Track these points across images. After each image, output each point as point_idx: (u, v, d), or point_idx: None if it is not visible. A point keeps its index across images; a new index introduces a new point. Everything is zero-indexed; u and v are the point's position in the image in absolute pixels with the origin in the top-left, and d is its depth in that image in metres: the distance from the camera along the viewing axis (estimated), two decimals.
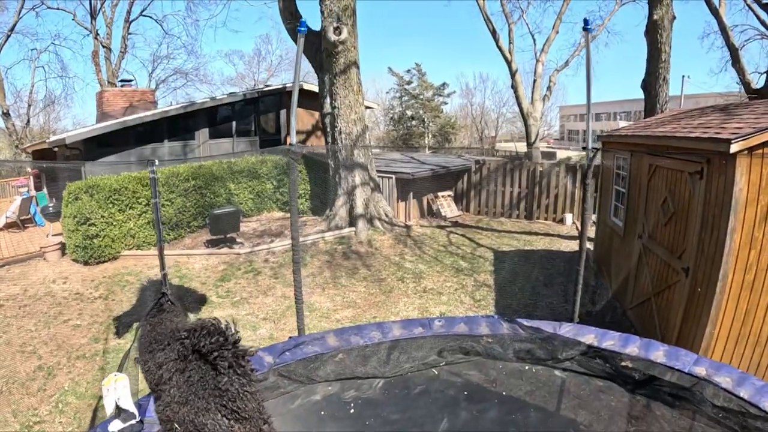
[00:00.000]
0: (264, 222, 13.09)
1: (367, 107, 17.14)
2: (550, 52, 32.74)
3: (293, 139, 3.37)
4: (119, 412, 2.68)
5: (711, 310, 4.53)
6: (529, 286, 8.41)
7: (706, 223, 4.69)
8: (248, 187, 13.57)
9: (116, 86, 24.86)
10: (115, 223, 10.71)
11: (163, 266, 3.32)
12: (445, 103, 38.74)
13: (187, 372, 1.86)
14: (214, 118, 15.85)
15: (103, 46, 29.70)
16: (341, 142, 11.95)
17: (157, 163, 3.21)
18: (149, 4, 31.93)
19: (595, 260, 9.21)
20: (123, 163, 13.02)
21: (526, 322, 3.78)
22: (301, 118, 17.80)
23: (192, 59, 41.23)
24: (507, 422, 2.80)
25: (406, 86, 37.30)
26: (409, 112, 37.44)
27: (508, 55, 22.09)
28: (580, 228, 4.22)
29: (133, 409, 2.69)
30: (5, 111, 28.31)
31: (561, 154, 31.05)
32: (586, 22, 3.69)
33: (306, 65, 13.64)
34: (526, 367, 3.41)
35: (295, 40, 12.98)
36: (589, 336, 3.58)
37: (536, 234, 12.28)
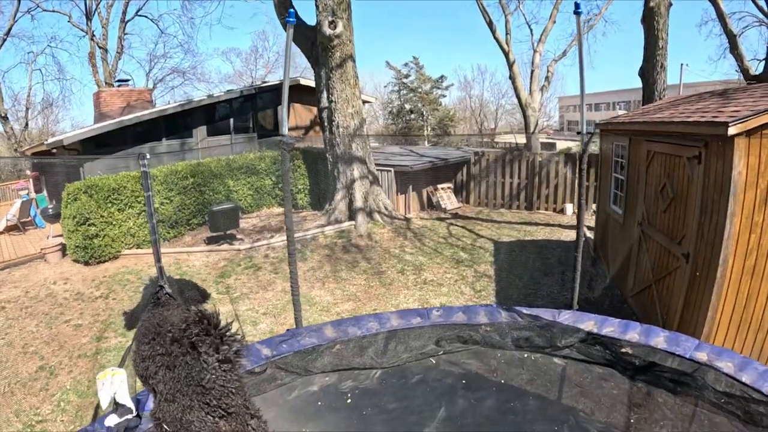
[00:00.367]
0: (264, 218, 13.09)
1: (364, 101, 17.09)
2: (548, 42, 32.56)
3: (285, 130, 3.35)
4: (116, 407, 2.67)
5: (712, 295, 4.51)
6: (530, 275, 8.40)
7: (705, 207, 4.66)
8: (247, 183, 13.56)
9: (113, 87, 24.78)
10: (114, 223, 10.71)
11: (158, 258, 3.31)
12: (444, 96, 38.67)
13: (173, 367, 1.83)
14: (212, 116, 15.82)
15: (100, 47, 29.60)
16: (339, 135, 11.92)
17: (148, 156, 3.19)
18: (145, 4, 31.77)
19: (595, 248, 9.19)
20: (121, 156, 12.98)
21: (524, 310, 3.76)
22: (299, 114, 17.77)
23: (189, 58, 41.23)
24: (506, 410, 2.78)
25: (404, 80, 37.21)
26: (407, 106, 37.35)
27: (505, 46, 21.98)
28: (577, 209, 4.20)
29: (130, 404, 2.68)
30: (3, 115, 28.26)
31: (561, 145, 30.95)
32: (576, 5, 3.65)
33: (303, 61, 13.60)
34: (525, 355, 3.39)
35: (293, 38, 12.91)
36: (589, 323, 3.56)
37: (536, 224, 12.26)
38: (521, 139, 27.61)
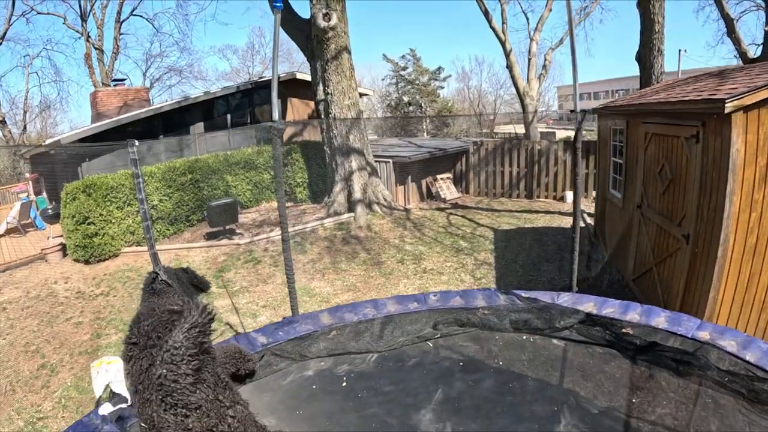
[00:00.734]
0: (263, 212, 13.07)
1: (361, 94, 17.03)
2: (544, 31, 32.49)
3: (276, 115, 3.31)
4: (112, 395, 2.66)
5: (713, 275, 4.46)
6: (530, 262, 8.37)
7: (704, 187, 4.62)
8: (245, 178, 13.53)
9: (110, 87, 24.74)
10: (113, 221, 10.70)
11: (151, 245, 3.28)
12: (442, 87, 38.52)
13: (137, 358, 1.79)
14: (209, 112, 15.78)
15: (96, 48, 29.50)
16: (336, 128, 11.88)
17: (137, 143, 3.17)
18: (139, 4, 31.71)
19: (595, 234, 9.15)
20: (121, 151, 12.94)
21: (523, 294, 3.74)
22: (296, 108, 17.72)
23: (185, 56, 41.05)
24: (504, 391, 2.75)
25: (402, 72, 37.08)
26: (405, 98, 37.22)
27: (501, 35, 21.86)
28: (573, 190, 4.15)
29: (125, 393, 2.67)
30: (1, 119, 28.24)
31: (561, 134, 30.82)
32: None
33: (300, 57, 13.53)
34: (524, 337, 3.37)
35: (286, 29, 12.88)
36: (588, 304, 3.54)
37: (536, 212, 12.22)
38: (520, 129, 27.53)
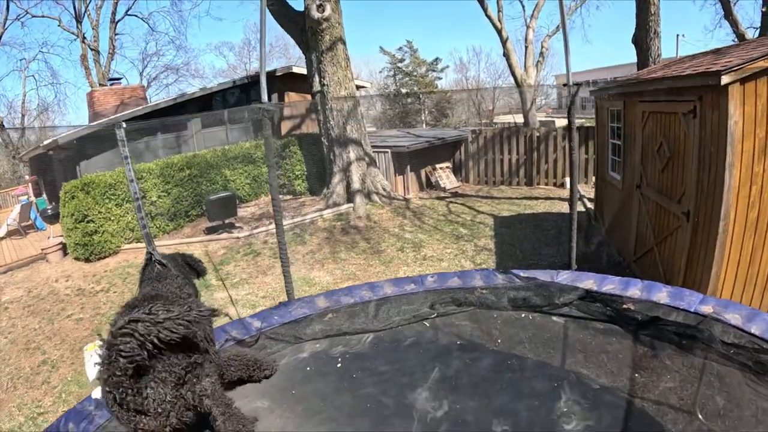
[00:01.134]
0: (262, 206, 13.03)
1: (359, 86, 16.96)
2: (541, 18, 32.29)
3: (264, 97, 3.27)
4: None
5: (715, 252, 4.41)
6: (530, 247, 8.33)
7: (703, 162, 4.56)
8: (244, 172, 13.49)
9: (106, 86, 24.67)
10: (113, 218, 10.69)
11: (144, 225, 3.25)
12: (440, 78, 38.34)
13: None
14: (206, 108, 15.71)
15: (92, 49, 29.40)
16: (333, 118, 11.83)
17: (124, 125, 3.14)
18: (134, 3, 31.53)
19: (596, 218, 9.10)
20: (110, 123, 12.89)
21: (522, 273, 3.69)
22: (294, 102, 17.64)
23: (181, 54, 40.92)
24: (503, 369, 2.71)
25: (399, 64, 36.91)
26: (403, 90, 37.07)
27: (497, 24, 21.70)
28: (570, 163, 4.08)
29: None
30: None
31: (560, 123, 30.67)
32: None
33: (298, 52, 13.42)
34: (522, 315, 3.32)
35: (280, 22, 12.83)
36: (588, 281, 3.50)
37: (537, 198, 12.17)
38: (520, 119, 27.38)
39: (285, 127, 16.80)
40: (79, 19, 29.11)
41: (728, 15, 16.94)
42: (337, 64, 11.70)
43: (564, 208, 10.80)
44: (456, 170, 15.14)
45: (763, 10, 15.19)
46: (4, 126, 28.90)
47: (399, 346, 2.99)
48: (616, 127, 7.44)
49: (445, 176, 14.44)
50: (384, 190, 12.22)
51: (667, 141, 5.36)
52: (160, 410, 1.74)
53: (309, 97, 15.54)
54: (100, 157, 12.74)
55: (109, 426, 2.40)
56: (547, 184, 13.86)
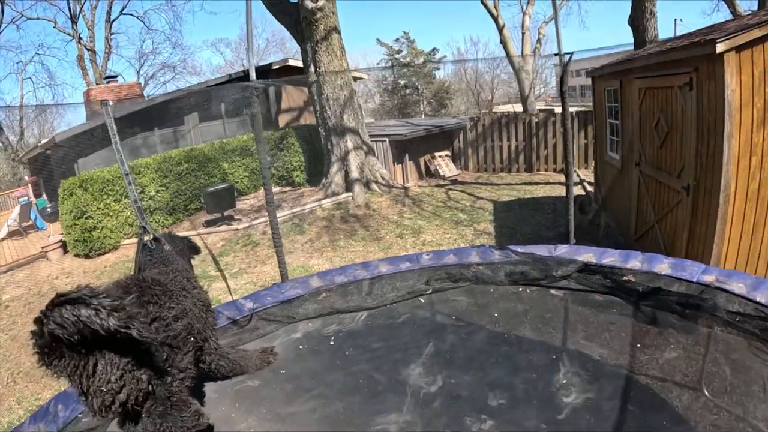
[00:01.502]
0: (261, 198, 12.96)
1: (356, 78, 16.84)
2: (537, 4, 32.00)
3: (252, 75, 3.21)
4: None
5: (716, 225, 4.33)
6: (530, 230, 8.27)
7: (701, 134, 4.49)
8: (242, 165, 13.44)
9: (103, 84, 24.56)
10: (111, 214, 10.67)
11: (135, 200, 3.20)
12: (437, 69, 38.21)
13: None
14: (203, 102, 15.63)
15: (88, 50, 29.28)
16: (329, 108, 11.76)
17: (110, 103, 3.09)
18: (128, 2, 31.34)
19: (597, 200, 9.03)
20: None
21: (519, 248, 3.64)
22: (291, 96, 17.54)
23: (178, 52, 40.71)
24: (499, 342, 2.66)
25: (396, 55, 36.73)
26: (402, 81, 36.92)
27: (493, 11, 21.55)
28: (563, 129, 4.00)
29: None
30: None
31: (560, 111, 30.48)
32: None
33: (294, 46, 13.32)
34: (520, 289, 3.28)
35: (274, 13, 12.74)
36: (587, 255, 3.44)
37: (536, 184, 12.09)
38: (519, 109, 27.24)
39: (283, 120, 16.72)
40: (74, 20, 28.97)
41: None
42: (332, 54, 11.62)
43: (564, 191, 10.71)
44: (455, 158, 15.05)
45: None
46: (2, 129, 28.84)
47: (393, 323, 2.95)
48: (613, 107, 7.37)
49: (444, 164, 14.36)
50: (383, 178, 12.16)
51: (665, 116, 5.29)
52: (104, 389, 1.69)
53: (306, 89, 15.48)
54: (97, 154, 12.70)
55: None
56: (546, 170, 13.76)
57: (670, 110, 5.18)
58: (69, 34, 29.40)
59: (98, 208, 10.49)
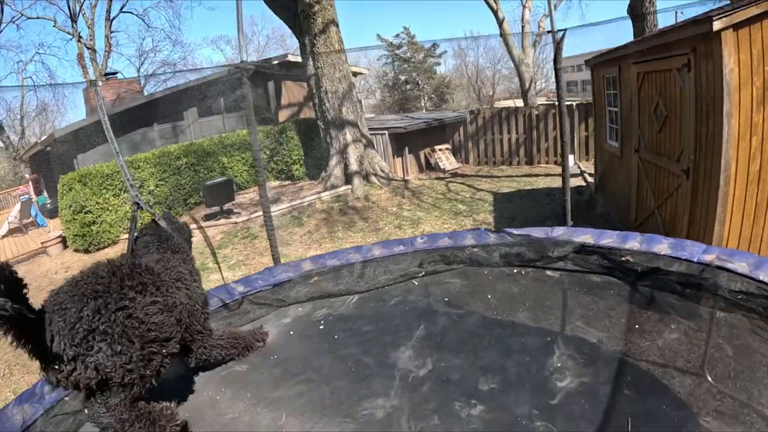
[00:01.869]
0: None
1: (356, 73, 16.78)
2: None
3: (243, 56, 3.16)
4: None
5: (717, 207, 4.27)
6: (531, 220, 8.23)
7: (700, 116, 4.43)
8: (241, 159, 13.42)
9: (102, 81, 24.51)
10: (111, 208, 10.66)
11: (126, 174, 3.15)
12: (438, 64, 38.04)
13: None
14: (203, 98, 15.60)
15: (88, 48, 29.23)
16: (328, 101, 11.71)
17: (100, 83, 3.05)
18: (128, 0, 31.23)
19: (597, 190, 8.97)
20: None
21: (515, 231, 3.58)
22: (291, 91, 17.51)
23: (178, 49, 40.64)
24: (492, 325, 2.60)
25: (397, 51, 36.63)
26: (402, 77, 36.83)
27: (493, 4, 21.41)
28: (558, 108, 3.92)
29: None
30: None
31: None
32: None
33: (294, 42, 13.26)
34: (515, 271, 3.21)
35: (272, 8, 12.70)
36: (585, 236, 3.37)
37: (537, 176, 12.04)
38: (521, 104, 27.15)
39: (283, 115, 16.69)
40: (74, 19, 28.88)
41: None
42: (330, 47, 11.57)
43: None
44: (455, 152, 14.99)
45: None
46: (3, 128, 28.86)
47: (384, 306, 2.89)
48: (612, 94, 7.31)
49: (444, 157, 14.30)
50: (382, 171, 12.11)
51: (664, 100, 5.22)
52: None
53: (306, 85, 15.43)
54: (96, 150, 12.68)
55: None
56: (547, 163, 13.69)
57: (668, 93, 5.12)
58: (69, 33, 29.37)
59: (97, 203, 10.48)
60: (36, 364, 5.05)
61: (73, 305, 1.66)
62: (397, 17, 79.24)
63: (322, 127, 12.27)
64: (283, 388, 2.24)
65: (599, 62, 7.71)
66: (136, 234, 2.53)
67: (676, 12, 26.47)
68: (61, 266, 10.00)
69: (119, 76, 23.00)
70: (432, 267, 3.20)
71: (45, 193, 18.86)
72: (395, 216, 9.39)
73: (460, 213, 9.08)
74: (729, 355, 2.11)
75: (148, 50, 34.55)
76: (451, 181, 12.19)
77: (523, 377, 2.15)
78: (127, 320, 1.73)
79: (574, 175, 11.38)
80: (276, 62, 16.56)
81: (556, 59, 3.32)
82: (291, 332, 2.75)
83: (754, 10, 3.74)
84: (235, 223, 10.18)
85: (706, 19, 3.80)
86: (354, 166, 11.65)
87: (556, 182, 10.81)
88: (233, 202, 11.41)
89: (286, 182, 13.81)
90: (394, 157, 13.14)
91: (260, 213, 10.38)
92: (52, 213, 14.23)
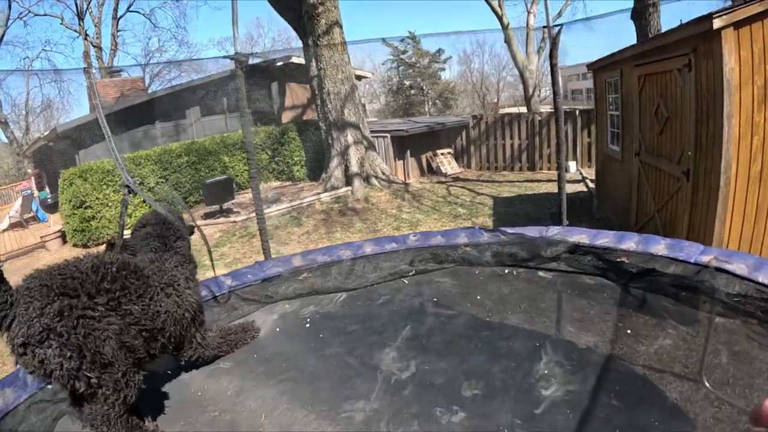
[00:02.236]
0: (261, 192, 12.86)
1: (360, 76, 16.75)
2: (541, 3, 31.82)
3: (237, 47, 3.12)
4: None
5: (717, 209, 4.20)
6: (530, 223, 8.14)
7: (700, 116, 4.37)
8: (243, 158, 13.40)
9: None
10: (110, 204, 10.66)
11: (116, 158, 3.12)
12: (443, 70, 37.98)
13: None
14: (205, 93, 15.60)
15: (94, 46, 29.34)
16: (330, 102, 11.68)
17: (94, 70, 3.02)
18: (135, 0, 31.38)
19: (598, 195, 8.90)
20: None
21: (509, 230, 3.51)
22: (295, 93, 17.50)
23: (183, 49, 40.61)
24: (480, 327, 2.53)
25: (402, 56, 36.59)
26: (407, 82, 36.78)
27: (498, 9, 21.41)
28: (554, 99, 3.87)
29: None
30: (3, 120, 28.25)
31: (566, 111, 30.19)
32: None
33: (300, 45, 13.23)
34: (506, 271, 3.15)
35: (277, 8, 12.71)
36: (580, 236, 3.30)
37: (538, 181, 11.97)
38: (525, 111, 27.10)
39: (286, 117, 16.68)
40: (81, 17, 29.04)
41: None
42: (333, 48, 11.55)
43: (567, 188, 10.55)
44: (458, 156, 14.95)
45: None
46: (8, 123, 28.95)
47: (372, 304, 2.84)
48: (614, 98, 7.26)
49: (446, 162, 14.26)
50: (383, 173, 12.07)
51: (665, 101, 5.17)
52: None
53: (309, 87, 15.41)
54: (99, 145, 12.67)
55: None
56: (549, 169, 13.63)
57: (669, 95, 5.07)
58: (76, 31, 29.47)
59: (97, 198, 10.48)
60: None
61: (39, 300, 1.62)
62: (402, 23, 79.27)
63: (324, 128, 12.25)
64: (265, 386, 2.20)
65: (601, 66, 7.66)
66: (135, 225, 2.38)
67: (681, 21, 26.41)
68: (58, 261, 9.99)
69: (124, 74, 23.11)
70: (423, 266, 3.14)
71: (47, 189, 18.88)
72: (394, 218, 9.34)
73: (460, 216, 9.03)
74: (725, 362, 2.03)
75: (154, 50, 34.63)
76: (451, 185, 12.15)
77: (508, 384, 2.07)
78: (86, 331, 1.66)
79: (576, 181, 11.34)
80: (280, 63, 16.52)
81: (552, 54, 3.27)
82: (277, 329, 2.70)
83: (756, 8, 3.69)
84: (234, 222, 10.15)
85: (707, 17, 3.76)
86: (355, 168, 11.61)
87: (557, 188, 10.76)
88: (233, 201, 11.39)
89: (287, 183, 13.78)
90: (395, 160, 13.10)
91: None
92: (53, 208, 14.25)
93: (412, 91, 36.76)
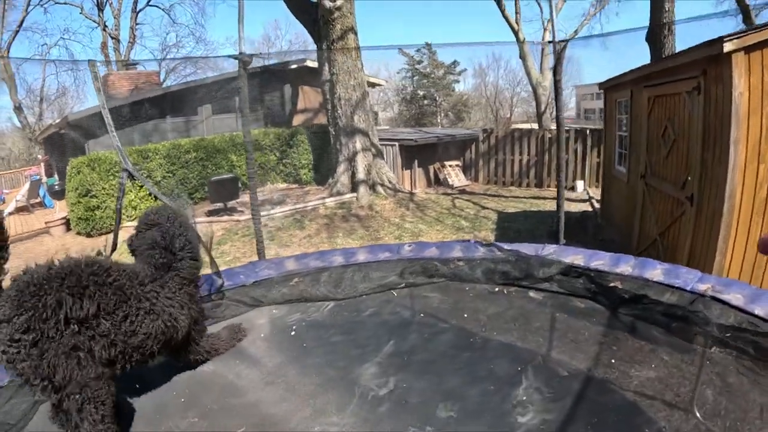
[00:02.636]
0: (267, 193, 12.96)
1: (374, 84, 16.78)
2: (559, 21, 31.74)
3: (241, 46, 3.13)
4: None
5: (720, 236, 4.13)
6: (533, 240, 8.07)
7: (707, 140, 4.32)
8: None
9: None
10: (116, 195, 10.69)
11: (117, 147, 3.11)
12: (457, 82, 38.07)
13: None
14: (218, 95, 15.69)
15: (112, 38, 29.66)
16: (341, 108, 11.71)
17: (98, 62, 3.04)
18: None
19: (603, 216, 8.84)
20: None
21: (505, 246, 3.47)
22: (307, 96, 17.58)
23: (201, 46, 40.81)
24: (463, 347, 2.49)
25: (417, 66, 36.71)
26: (420, 92, 36.87)
27: (514, 25, 21.46)
28: (556, 104, 3.85)
29: None
30: (17, 105, 28.53)
31: (578, 129, 30.11)
32: None
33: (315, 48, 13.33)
34: (497, 289, 3.11)
35: (293, 11, 12.81)
36: (575, 256, 3.25)
37: (545, 198, 11.91)
38: (536, 127, 27.09)
39: (297, 120, 16.75)
40: (101, 8, 29.36)
41: (746, 19, 16.31)
42: (347, 54, 11.59)
43: (572, 207, 10.52)
44: (466, 169, 14.92)
45: None
46: (22, 108, 29.22)
47: (358, 316, 2.81)
48: (623, 119, 7.23)
49: (453, 174, 14.23)
50: (389, 182, 12.05)
51: (672, 124, 5.13)
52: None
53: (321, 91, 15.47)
54: (108, 136, 12.74)
55: None
56: (557, 186, 13.54)
57: (677, 118, 5.02)
58: (95, 21, 29.79)
59: (103, 188, 10.56)
60: None
61: (9, 309, 1.59)
62: (418, 35, 79.49)
63: (333, 133, 12.27)
64: (242, 395, 2.18)
65: (612, 85, 7.63)
66: (142, 221, 2.23)
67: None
68: (61, 247, 10.05)
69: (140, 67, 23.29)
70: (413, 279, 3.11)
71: (56, 175, 19.02)
72: (397, 227, 9.32)
73: (462, 229, 9.00)
74: (712, 399, 1.98)
75: (171, 45, 34.86)
76: (457, 198, 12.11)
77: (484, 408, 2.02)
78: (49, 352, 1.62)
79: (583, 201, 11.27)
80: (294, 65, 16.62)
81: (556, 70, 3.25)
82: (262, 335, 2.68)
83: (767, 33, 3.65)
84: (237, 221, 10.16)
85: (717, 40, 3.72)
86: (361, 175, 11.60)
87: (564, 206, 10.69)
88: (237, 200, 11.41)
89: (293, 185, 13.80)
90: (402, 170, 13.09)
91: (262, 213, 10.37)
92: (60, 195, 14.35)
93: (426, 101, 36.84)
